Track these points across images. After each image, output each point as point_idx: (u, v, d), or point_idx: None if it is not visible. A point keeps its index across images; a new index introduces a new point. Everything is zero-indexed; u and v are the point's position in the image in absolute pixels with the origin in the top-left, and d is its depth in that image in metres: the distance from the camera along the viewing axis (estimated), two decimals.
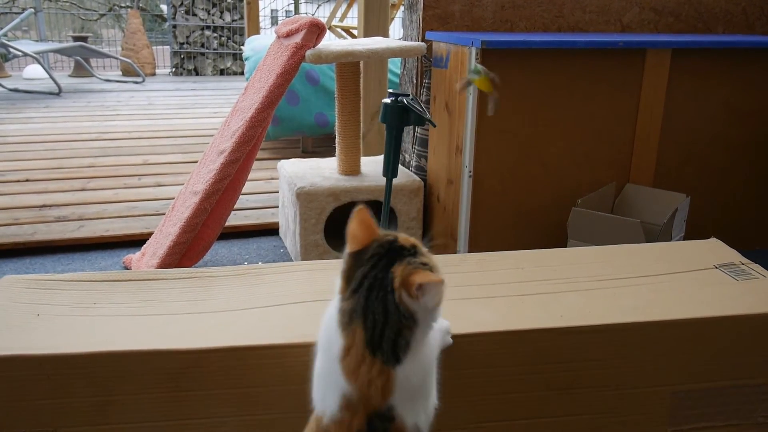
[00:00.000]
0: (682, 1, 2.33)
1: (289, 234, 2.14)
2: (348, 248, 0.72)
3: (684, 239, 1.95)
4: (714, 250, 1.18)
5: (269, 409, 0.86)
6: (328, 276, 1.06)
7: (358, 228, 0.72)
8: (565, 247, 1.81)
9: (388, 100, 0.93)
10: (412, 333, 0.67)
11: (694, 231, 2.01)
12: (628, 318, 0.94)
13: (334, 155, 2.14)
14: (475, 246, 1.93)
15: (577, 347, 0.92)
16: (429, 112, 2.13)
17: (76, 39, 6.91)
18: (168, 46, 7.41)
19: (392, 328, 0.66)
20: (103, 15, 11.48)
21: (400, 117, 0.93)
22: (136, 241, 2.20)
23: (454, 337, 0.89)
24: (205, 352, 0.84)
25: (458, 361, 0.89)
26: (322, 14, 9.09)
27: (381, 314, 0.66)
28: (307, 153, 3.54)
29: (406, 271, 0.67)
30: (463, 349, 0.89)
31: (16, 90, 5.46)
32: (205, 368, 0.84)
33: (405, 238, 0.72)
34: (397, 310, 0.66)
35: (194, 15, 7.03)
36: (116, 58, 6.75)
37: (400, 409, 0.67)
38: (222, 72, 7.23)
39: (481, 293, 1.01)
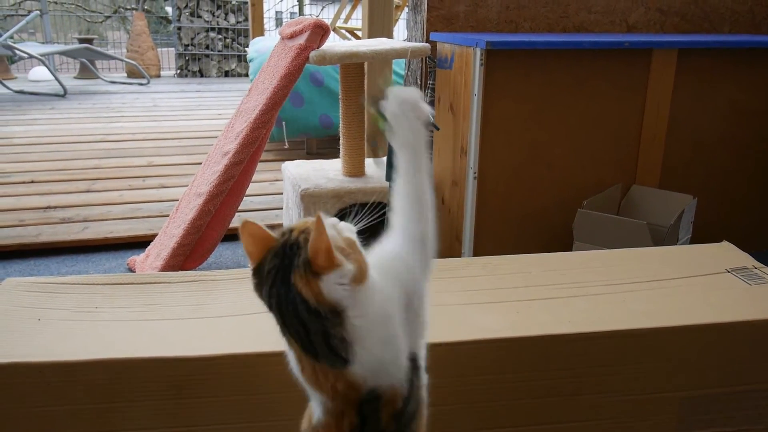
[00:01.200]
0: (688, 0, 2.31)
1: None
2: (250, 266, 0.68)
3: (691, 241, 1.93)
4: (726, 253, 1.17)
5: (273, 416, 0.85)
6: None
7: (248, 244, 0.68)
8: (571, 248, 1.80)
9: None
10: (343, 327, 0.62)
11: (701, 232, 1.99)
12: (637, 324, 0.92)
13: (338, 157, 2.14)
14: (479, 248, 1.91)
15: (585, 353, 0.91)
16: (433, 114, 2.11)
17: (81, 41, 6.93)
18: (173, 48, 7.42)
19: (318, 335, 0.62)
20: (108, 17, 11.52)
21: None
22: (140, 243, 2.20)
23: (460, 343, 0.88)
24: (207, 359, 0.83)
25: (464, 368, 0.88)
26: (327, 15, 9.09)
27: (300, 327, 0.63)
28: (311, 155, 3.53)
29: (305, 272, 0.62)
30: (469, 356, 0.88)
31: (21, 92, 5.48)
32: (207, 375, 0.83)
33: (299, 228, 0.67)
34: (315, 318, 0.62)
35: (199, 17, 7.04)
36: (121, 60, 6.76)
37: (380, 382, 0.64)
38: (227, 74, 7.23)
39: (487, 298, 1.00)
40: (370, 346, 0.63)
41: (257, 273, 0.67)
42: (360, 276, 0.63)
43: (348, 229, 0.71)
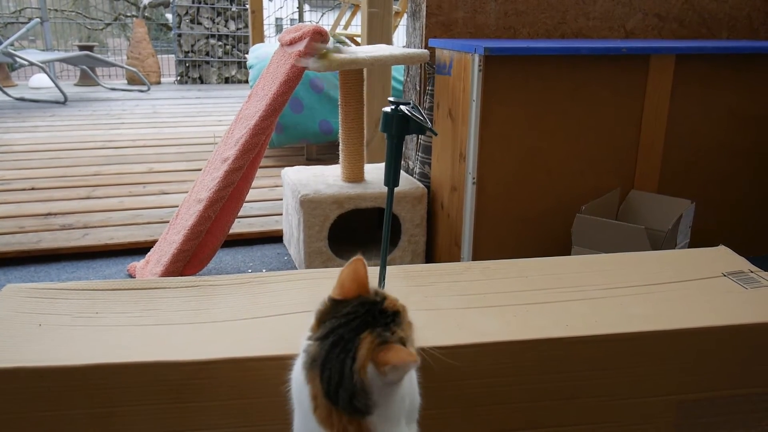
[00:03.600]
0: (686, 6, 2.32)
1: (293, 241, 2.14)
2: (332, 293, 0.70)
3: (689, 245, 1.93)
4: (722, 257, 1.17)
5: (271, 421, 0.85)
6: (332, 284, 1.06)
7: (348, 278, 0.70)
8: (570, 253, 1.80)
9: (388, 109, 0.93)
10: (367, 398, 0.65)
11: (699, 237, 2.00)
12: (635, 327, 0.93)
13: (338, 163, 2.14)
14: (478, 253, 1.92)
15: (583, 357, 0.91)
16: (432, 120, 2.12)
17: (81, 48, 6.95)
18: (173, 55, 7.44)
19: (346, 391, 0.65)
20: (108, 24, 11.55)
21: (400, 126, 0.92)
22: (140, 249, 2.20)
23: (459, 347, 0.88)
24: (206, 363, 0.83)
25: (462, 372, 0.88)
26: (326, 22, 9.13)
27: (337, 374, 0.65)
28: (311, 160, 3.54)
29: (375, 345, 0.65)
30: (468, 360, 0.88)
31: (22, 99, 5.49)
32: (206, 380, 0.83)
33: (392, 302, 0.70)
34: (351, 377, 0.65)
35: (199, 24, 7.06)
36: (122, 67, 6.78)
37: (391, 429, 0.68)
38: (227, 80, 7.25)
39: (485, 302, 1.00)
40: (384, 417, 0.66)
41: (336, 305, 0.69)
42: (394, 385, 0.67)
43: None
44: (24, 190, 2.86)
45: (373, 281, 0.98)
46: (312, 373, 0.67)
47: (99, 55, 6.82)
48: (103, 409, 0.82)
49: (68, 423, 0.82)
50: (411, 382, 0.75)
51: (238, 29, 7.21)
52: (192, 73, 7.15)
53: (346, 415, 0.65)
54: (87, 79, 6.67)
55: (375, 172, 2.17)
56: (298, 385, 0.70)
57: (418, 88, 2.23)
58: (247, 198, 2.07)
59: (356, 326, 0.66)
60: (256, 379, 0.84)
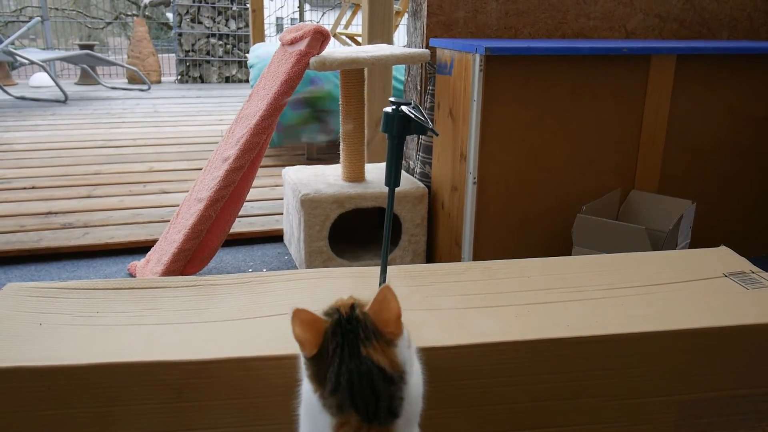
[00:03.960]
0: (687, 7, 2.32)
1: (294, 241, 2.14)
2: (305, 353, 0.70)
3: (690, 246, 1.93)
4: (723, 258, 1.17)
5: (272, 420, 0.85)
6: (332, 284, 1.06)
7: (301, 331, 0.69)
8: (570, 253, 1.80)
9: (389, 109, 0.93)
10: (405, 387, 0.67)
11: (700, 237, 2.00)
12: (636, 328, 0.93)
13: (338, 162, 2.14)
14: (479, 253, 1.92)
15: (584, 357, 0.91)
16: (433, 120, 2.12)
17: (82, 47, 6.95)
18: (173, 54, 7.44)
19: (386, 400, 0.66)
20: (109, 23, 11.55)
21: (401, 126, 0.92)
22: (141, 248, 2.20)
23: (460, 347, 0.88)
24: (207, 363, 0.83)
25: (463, 372, 0.88)
26: (327, 22, 9.12)
27: (372, 397, 0.66)
28: (311, 160, 3.54)
29: (378, 346, 0.66)
30: (468, 360, 0.88)
31: (22, 98, 5.49)
32: (207, 379, 0.83)
33: (344, 304, 0.70)
34: (388, 385, 0.66)
35: (200, 23, 7.06)
36: (122, 66, 6.78)
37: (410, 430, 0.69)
38: (227, 79, 7.25)
39: (486, 302, 1.00)
40: (411, 400, 0.68)
41: (317, 358, 0.68)
42: (409, 340, 0.69)
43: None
44: (24, 189, 2.86)
45: (373, 286, 0.98)
46: (345, 415, 0.66)
47: (99, 54, 6.82)
48: (104, 408, 0.82)
49: (69, 422, 0.82)
50: (419, 386, 0.74)
51: (238, 28, 7.21)
52: (192, 72, 7.15)
53: (379, 425, 0.66)
54: (87, 78, 6.67)
55: (375, 171, 2.17)
56: (314, 420, 0.69)
57: (419, 88, 2.23)
58: (248, 197, 2.07)
59: (350, 353, 0.66)
60: (257, 378, 0.84)
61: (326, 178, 2.09)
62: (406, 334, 0.67)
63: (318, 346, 0.68)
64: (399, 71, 3.20)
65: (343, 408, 0.66)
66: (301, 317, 0.68)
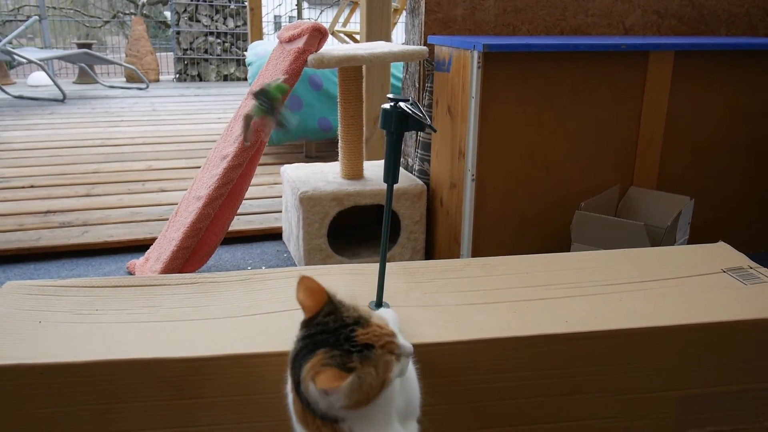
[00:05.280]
0: (685, 3, 2.32)
1: (293, 238, 2.14)
2: (304, 315, 0.73)
3: (688, 242, 1.94)
4: (722, 253, 1.18)
5: (272, 417, 0.86)
6: (331, 281, 1.06)
7: (305, 297, 0.72)
8: (569, 250, 1.80)
9: (387, 106, 0.93)
10: (337, 413, 0.66)
11: (699, 234, 2.00)
12: (634, 323, 0.93)
13: (337, 160, 2.14)
14: (478, 249, 1.92)
15: (582, 353, 0.91)
16: (431, 117, 2.12)
17: (80, 46, 6.94)
18: (172, 53, 7.43)
19: (317, 412, 0.66)
20: (107, 22, 11.54)
21: (399, 123, 0.92)
22: (139, 246, 2.20)
23: (458, 343, 0.88)
24: (207, 360, 0.83)
25: (462, 368, 0.89)
26: (325, 19, 9.11)
27: (297, 380, 0.68)
28: (310, 158, 3.54)
29: (315, 368, 0.65)
30: (467, 356, 0.89)
31: (20, 97, 5.48)
32: (207, 376, 0.83)
33: (351, 316, 0.70)
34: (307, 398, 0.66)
35: (198, 21, 7.05)
36: (120, 65, 6.77)
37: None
38: (225, 78, 7.24)
39: (485, 299, 1.00)
40: (364, 415, 0.66)
41: (308, 323, 0.72)
42: (367, 399, 0.65)
43: (391, 320, 0.79)
44: (23, 188, 2.86)
45: (372, 283, 0.98)
46: (289, 370, 0.70)
47: (97, 53, 6.80)
48: (104, 405, 0.82)
49: (68, 419, 0.82)
50: (407, 382, 0.75)
51: (236, 26, 7.20)
52: (191, 70, 7.14)
53: (318, 418, 0.66)
54: (85, 77, 6.66)
55: (374, 169, 2.17)
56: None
57: (417, 85, 2.23)
58: (247, 195, 2.07)
59: (320, 340, 0.68)
60: (256, 375, 0.84)
61: (325, 176, 2.09)
62: (342, 390, 0.63)
63: (314, 313, 0.71)
64: (397, 68, 3.20)
65: (289, 359, 0.70)
66: (306, 284, 0.72)
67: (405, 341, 0.71)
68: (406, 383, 0.75)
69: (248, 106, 1.16)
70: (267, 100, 1.35)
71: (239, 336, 0.89)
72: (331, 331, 0.68)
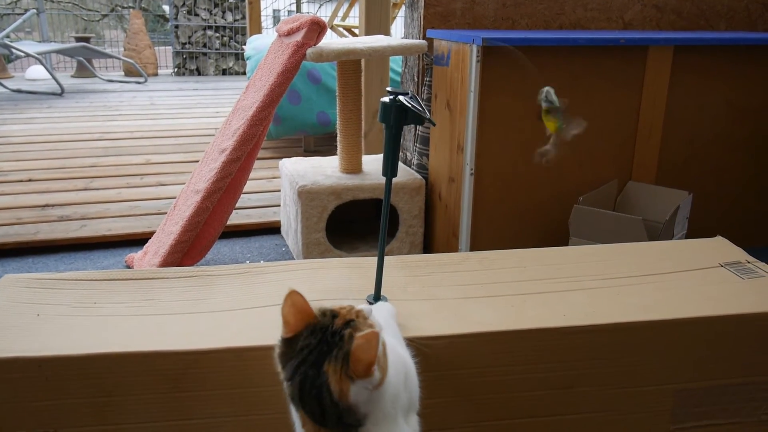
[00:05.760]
0: None
1: (291, 232, 2.14)
2: (282, 332, 0.71)
3: (686, 237, 1.94)
4: (719, 248, 1.18)
5: (269, 409, 0.86)
6: (330, 275, 1.06)
7: (290, 313, 0.70)
8: (567, 244, 1.80)
9: (386, 99, 0.92)
10: (357, 414, 0.66)
11: (697, 228, 2.00)
12: (632, 317, 0.93)
13: (335, 154, 2.14)
14: (476, 244, 1.92)
15: (580, 346, 0.92)
16: (430, 111, 2.12)
17: (78, 40, 6.92)
18: (170, 47, 7.41)
19: (333, 417, 0.66)
20: (105, 15, 11.50)
21: (398, 116, 0.92)
22: (138, 240, 2.20)
23: (457, 336, 0.88)
24: (204, 352, 0.83)
25: (460, 361, 0.89)
26: (324, 13, 9.09)
27: (318, 408, 0.66)
28: (309, 152, 3.54)
29: (341, 370, 0.65)
30: (465, 349, 0.89)
31: (18, 90, 5.47)
32: (204, 369, 0.83)
33: (343, 316, 0.70)
34: (334, 406, 0.66)
35: (196, 15, 7.03)
36: (118, 59, 6.75)
37: None
38: (224, 72, 7.23)
39: (483, 292, 1.01)
40: (377, 421, 0.67)
41: (289, 344, 0.70)
42: (381, 383, 0.67)
43: (389, 313, 0.81)
44: (21, 181, 2.85)
45: (370, 277, 0.98)
46: (296, 409, 0.69)
47: (96, 47, 6.79)
48: (102, 398, 0.83)
49: (67, 412, 0.82)
50: (407, 378, 0.75)
51: (235, 20, 7.18)
52: (189, 64, 7.12)
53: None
54: (84, 71, 6.64)
55: (373, 163, 2.17)
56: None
57: (416, 79, 2.23)
58: (245, 189, 2.07)
59: (314, 360, 0.67)
60: (254, 368, 0.84)
61: (323, 170, 2.09)
62: (375, 379, 0.65)
63: (294, 333, 0.70)
64: (396, 63, 3.20)
65: (294, 401, 0.68)
66: (293, 299, 0.70)
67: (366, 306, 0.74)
68: (404, 379, 0.75)
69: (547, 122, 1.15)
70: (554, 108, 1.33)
71: (237, 329, 0.89)
72: (319, 343, 0.68)
